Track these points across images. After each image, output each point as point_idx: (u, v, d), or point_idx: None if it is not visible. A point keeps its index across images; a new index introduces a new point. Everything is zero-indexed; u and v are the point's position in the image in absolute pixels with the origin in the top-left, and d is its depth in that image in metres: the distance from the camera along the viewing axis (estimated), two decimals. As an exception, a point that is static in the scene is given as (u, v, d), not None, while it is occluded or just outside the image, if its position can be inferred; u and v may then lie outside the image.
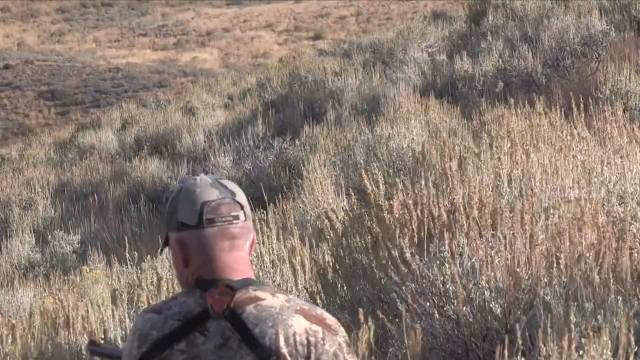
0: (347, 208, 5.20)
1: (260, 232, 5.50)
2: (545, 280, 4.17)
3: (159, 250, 2.62)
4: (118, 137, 19.16)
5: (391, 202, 4.52)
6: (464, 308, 4.21)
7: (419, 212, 4.42)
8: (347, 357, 2.34)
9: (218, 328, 2.30)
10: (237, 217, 2.39)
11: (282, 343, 2.27)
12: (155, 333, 2.33)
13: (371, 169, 7.16)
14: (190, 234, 2.38)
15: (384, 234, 4.51)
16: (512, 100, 6.97)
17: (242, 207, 2.41)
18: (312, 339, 2.30)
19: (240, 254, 2.39)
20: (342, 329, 2.38)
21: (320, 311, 2.38)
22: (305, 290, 5.13)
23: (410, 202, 4.47)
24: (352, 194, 5.83)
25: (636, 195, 5.03)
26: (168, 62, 47.35)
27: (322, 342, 2.31)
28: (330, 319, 2.37)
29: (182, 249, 2.39)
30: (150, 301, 5.30)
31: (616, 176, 5.12)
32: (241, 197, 2.42)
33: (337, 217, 5.33)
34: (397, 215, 4.45)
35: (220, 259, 2.37)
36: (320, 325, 2.33)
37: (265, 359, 2.26)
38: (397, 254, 4.38)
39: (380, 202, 4.60)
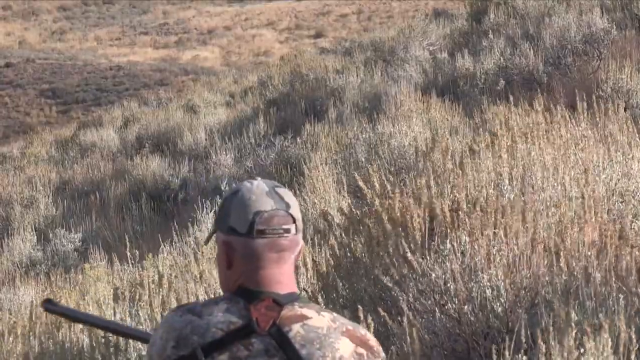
0: (347, 207, 5.20)
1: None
2: (547, 278, 4.18)
3: (204, 240, 2.57)
4: (119, 135, 19.16)
5: (391, 201, 4.51)
6: (465, 306, 4.21)
7: (420, 210, 4.42)
8: None
9: (263, 344, 2.26)
10: (288, 231, 2.34)
11: None
12: (197, 339, 2.28)
13: (368, 169, 7.15)
14: (239, 240, 2.33)
15: (384, 233, 4.51)
16: (512, 98, 6.97)
17: (294, 221, 2.35)
18: None
19: (287, 266, 2.35)
20: (381, 349, 2.36)
21: (364, 331, 2.35)
22: (304, 290, 5.13)
23: (412, 200, 4.47)
24: (354, 192, 5.83)
25: (637, 193, 5.03)
26: (169, 60, 47.36)
27: None
28: (373, 340, 2.34)
29: (228, 251, 2.35)
30: (152, 300, 5.30)
31: (617, 174, 5.12)
32: (295, 209, 2.37)
33: (337, 217, 5.33)
34: (398, 214, 4.45)
35: (266, 270, 2.33)
36: (364, 348, 2.30)
37: None
38: (399, 252, 4.38)
39: (377, 203, 4.60)
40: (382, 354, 2.34)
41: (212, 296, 5.07)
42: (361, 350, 2.28)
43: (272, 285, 2.32)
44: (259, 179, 2.41)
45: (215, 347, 2.26)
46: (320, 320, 2.29)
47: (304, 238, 5.65)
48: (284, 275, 2.34)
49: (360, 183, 4.82)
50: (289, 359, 2.23)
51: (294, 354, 2.23)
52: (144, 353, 4.68)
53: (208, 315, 2.29)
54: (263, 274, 2.32)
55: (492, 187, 4.78)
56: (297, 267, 2.48)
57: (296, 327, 2.26)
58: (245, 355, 2.25)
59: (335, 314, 2.34)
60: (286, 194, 2.37)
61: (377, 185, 4.72)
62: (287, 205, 2.35)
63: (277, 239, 2.32)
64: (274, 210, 2.32)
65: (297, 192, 8.56)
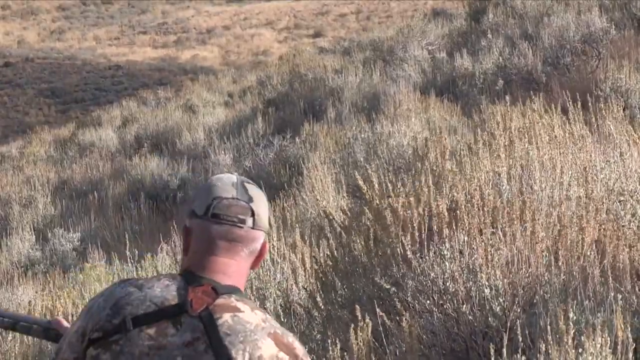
0: (346, 207, 5.21)
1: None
2: (545, 278, 4.18)
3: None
4: (118, 135, 19.17)
5: (390, 201, 4.52)
6: (464, 306, 4.21)
7: (419, 210, 4.42)
8: None
9: (191, 326, 2.29)
10: (244, 222, 2.38)
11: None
12: (130, 309, 2.32)
13: (367, 169, 7.15)
14: (196, 222, 2.39)
15: (383, 233, 4.51)
16: (508, 98, 6.97)
17: (253, 214, 2.39)
18: None
19: (236, 260, 2.39)
20: (309, 359, 2.38)
21: (292, 339, 2.37)
22: (304, 289, 5.13)
23: (410, 200, 4.47)
24: (352, 191, 5.83)
25: (636, 193, 5.03)
26: (168, 59, 47.35)
27: None
28: (300, 349, 2.36)
29: (187, 236, 2.41)
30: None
31: (616, 174, 5.12)
32: (258, 205, 2.40)
33: (336, 216, 5.33)
34: (396, 214, 4.45)
35: (215, 257, 2.37)
36: (288, 355, 2.32)
37: None
38: (397, 252, 4.38)
39: (376, 203, 4.60)
40: None
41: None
42: (283, 355, 2.31)
43: (217, 274, 2.36)
44: (236, 174, 2.48)
45: (145, 320, 2.30)
46: (251, 316, 2.32)
47: (302, 238, 5.66)
48: (231, 268, 2.38)
49: (360, 182, 4.83)
50: (211, 344, 2.27)
51: (217, 341, 2.27)
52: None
53: (147, 289, 2.34)
54: (211, 260, 2.37)
55: (491, 186, 4.78)
56: (255, 266, 2.47)
57: (226, 316, 2.30)
58: (172, 333, 2.29)
59: (269, 316, 2.38)
60: (254, 190, 2.43)
61: (376, 185, 4.72)
62: (250, 199, 2.40)
63: (232, 228, 2.37)
64: (234, 198, 2.38)
65: (296, 191, 8.57)
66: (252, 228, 2.39)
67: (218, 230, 2.37)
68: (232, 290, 2.36)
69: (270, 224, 2.50)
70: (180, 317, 2.30)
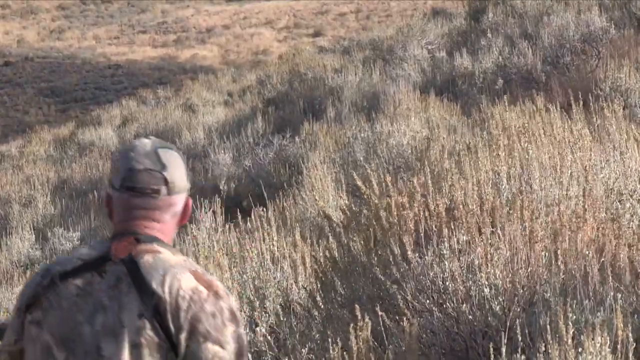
0: (346, 206, 5.20)
1: (260, 230, 5.50)
2: (545, 277, 4.18)
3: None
4: (118, 134, 19.17)
5: (389, 200, 4.51)
6: (464, 305, 4.21)
7: (417, 209, 4.42)
8: (226, 322, 2.43)
9: (115, 271, 2.42)
10: (157, 191, 2.48)
11: (166, 290, 2.38)
12: (57, 269, 2.46)
13: (366, 168, 7.15)
14: (115, 193, 2.51)
15: (383, 232, 4.51)
16: (506, 97, 6.97)
17: (166, 183, 2.49)
18: (195, 297, 2.40)
19: (159, 222, 2.50)
20: (231, 299, 2.48)
21: (212, 278, 2.49)
22: (304, 289, 5.13)
23: (409, 199, 4.47)
24: (352, 191, 5.83)
25: (635, 192, 5.03)
26: (168, 59, 47.31)
27: (203, 302, 2.41)
28: (220, 288, 2.47)
29: (108, 203, 2.55)
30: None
31: (616, 173, 5.12)
32: (172, 172, 2.50)
33: (336, 215, 5.33)
34: (396, 213, 4.45)
35: (134, 222, 2.49)
36: (207, 289, 2.43)
37: (148, 302, 2.38)
38: (397, 252, 4.38)
39: (374, 203, 4.60)
40: (230, 301, 2.46)
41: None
42: (202, 289, 2.43)
43: (140, 230, 2.50)
44: (152, 138, 2.56)
45: (72, 274, 2.45)
46: (172, 257, 2.46)
47: (302, 237, 5.65)
48: (154, 230, 2.50)
49: (359, 182, 4.83)
50: (134, 280, 2.40)
51: (139, 277, 2.40)
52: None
53: (75, 252, 2.53)
54: (132, 224, 2.50)
55: (490, 185, 4.78)
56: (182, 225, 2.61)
57: (147, 257, 2.44)
58: (98, 281, 2.42)
59: (191, 261, 2.51)
60: (167, 155, 2.51)
61: (375, 185, 4.72)
62: (163, 167, 2.49)
63: (146, 199, 2.48)
64: (146, 170, 2.47)
65: (296, 191, 8.56)
66: (168, 195, 2.49)
67: (134, 201, 2.49)
68: (154, 239, 2.48)
69: (190, 183, 2.61)
70: (105, 267, 2.44)
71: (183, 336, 2.38)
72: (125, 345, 2.36)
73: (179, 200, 2.53)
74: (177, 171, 2.51)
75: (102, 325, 2.39)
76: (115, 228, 2.52)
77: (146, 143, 2.51)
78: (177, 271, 2.42)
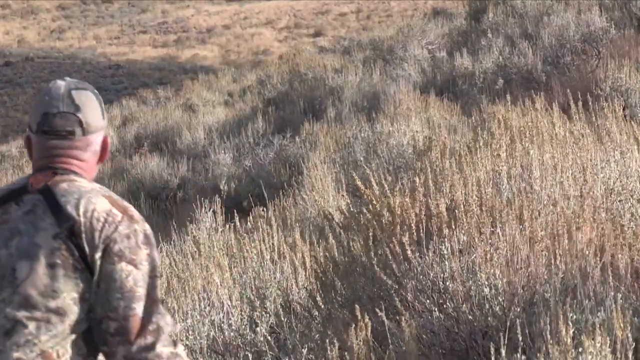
0: (346, 206, 5.20)
1: (260, 230, 5.50)
2: (545, 277, 4.18)
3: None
4: (118, 134, 19.17)
5: (389, 200, 4.51)
6: (464, 305, 4.21)
7: (418, 209, 4.42)
8: (140, 244, 2.51)
9: (31, 200, 2.52)
10: (72, 133, 2.57)
11: (80, 212, 2.48)
12: None
13: (366, 168, 7.16)
14: (33, 136, 2.60)
15: (383, 232, 4.51)
16: (509, 97, 6.97)
17: (81, 124, 2.57)
18: (109, 219, 2.50)
19: (78, 160, 2.59)
20: (146, 225, 2.56)
21: (127, 204, 2.58)
22: (304, 288, 5.13)
23: (409, 199, 4.47)
24: (352, 191, 5.83)
25: (635, 192, 5.03)
26: (168, 59, 47.32)
27: (117, 224, 2.50)
28: (135, 213, 2.56)
29: (28, 145, 2.63)
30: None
31: (616, 173, 5.12)
32: (86, 112, 2.59)
33: (336, 215, 5.33)
34: (396, 213, 4.45)
35: (52, 159, 2.58)
36: (122, 213, 2.53)
37: (63, 223, 2.47)
38: (397, 251, 4.38)
39: (375, 203, 4.60)
40: (144, 225, 2.54)
41: (213, 296, 5.09)
42: (117, 212, 2.52)
43: (58, 166, 2.58)
44: (67, 79, 2.65)
45: None
46: (87, 184, 2.57)
47: (302, 237, 5.65)
48: (72, 165, 2.58)
49: (358, 183, 4.82)
50: (49, 206, 2.50)
51: (53, 201, 2.50)
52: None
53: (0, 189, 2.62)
54: (51, 160, 2.58)
55: (491, 185, 4.78)
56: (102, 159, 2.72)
57: (63, 184, 2.54)
58: (15, 209, 2.53)
59: (107, 189, 2.60)
60: (81, 96, 2.60)
61: (375, 185, 4.72)
62: (77, 108, 2.58)
63: (62, 141, 2.57)
64: (60, 113, 2.56)
65: (296, 191, 8.56)
66: (84, 135, 2.58)
67: (51, 143, 2.57)
68: (72, 172, 2.57)
69: (106, 119, 2.73)
70: (22, 197, 2.54)
71: (98, 256, 2.47)
72: (39, 266, 2.46)
73: (96, 139, 2.62)
74: (91, 112, 2.60)
75: (16, 248, 2.48)
76: (36, 165, 2.60)
77: (60, 85, 2.60)
78: (92, 195, 2.52)
